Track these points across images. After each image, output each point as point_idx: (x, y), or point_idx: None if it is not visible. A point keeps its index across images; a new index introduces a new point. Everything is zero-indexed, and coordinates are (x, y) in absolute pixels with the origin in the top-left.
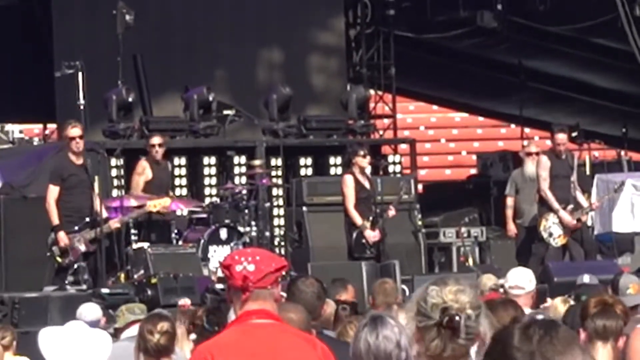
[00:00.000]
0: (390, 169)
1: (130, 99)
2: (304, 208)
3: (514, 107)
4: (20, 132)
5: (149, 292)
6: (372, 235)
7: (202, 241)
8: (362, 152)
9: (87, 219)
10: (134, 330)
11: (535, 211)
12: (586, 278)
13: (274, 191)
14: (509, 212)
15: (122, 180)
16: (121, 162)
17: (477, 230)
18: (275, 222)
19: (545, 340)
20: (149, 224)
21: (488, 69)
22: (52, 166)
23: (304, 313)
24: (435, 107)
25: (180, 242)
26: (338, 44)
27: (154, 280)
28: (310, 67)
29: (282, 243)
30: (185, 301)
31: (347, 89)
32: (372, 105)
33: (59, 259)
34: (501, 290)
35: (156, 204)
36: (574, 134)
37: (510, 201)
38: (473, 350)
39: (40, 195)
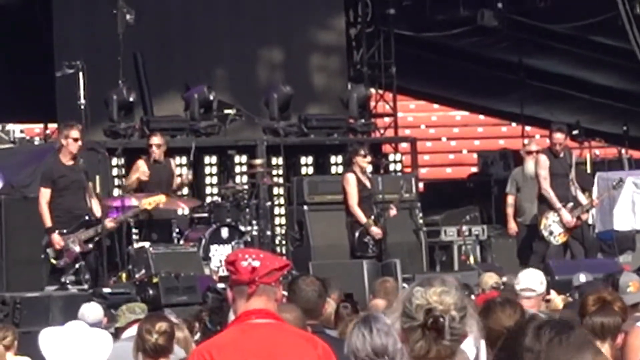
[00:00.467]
0: (391, 167)
1: (131, 99)
2: (305, 207)
3: (515, 105)
4: (21, 131)
5: (151, 292)
6: (377, 232)
7: (204, 240)
8: (362, 152)
9: (82, 219)
10: (134, 329)
11: (536, 209)
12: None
13: (275, 190)
14: (510, 211)
15: (123, 180)
16: (122, 161)
17: (478, 229)
18: (277, 221)
19: (554, 341)
20: (150, 224)
21: (488, 68)
22: (42, 169)
23: (299, 312)
24: (436, 105)
25: (181, 242)
26: (338, 43)
27: (155, 280)
28: (311, 66)
29: (284, 242)
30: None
31: (348, 88)
32: (372, 104)
33: (53, 261)
34: (502, 287)
35: (151, 202)
36: (574, 132)
37: (510, 199)
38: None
39: None
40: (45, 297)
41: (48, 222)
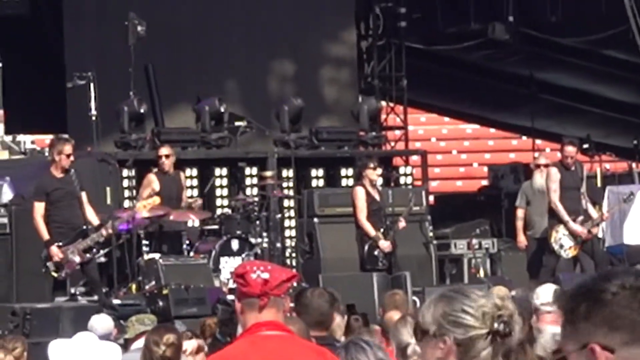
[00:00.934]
0: (402, 180)
1: (142, 110)
2: (315, 219)
3: (526, 119)
4: (32, 142)
5: (161, 303)
6: (386, 245)
7: (214, 252)
8: (371, 165)
9: (79, 229)
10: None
11: (546, 223)
12: None
13: (285, 202)
14: (520, 224)
15: (134, 191)
16: (133, 173)
17: (488, 242)
18: (287, 233)
19: None
20: (160, 235)
21: (499, 81)
22: (34, 184)
23: (302, 324)
24: (446, 118)
25: (191, 253)
26: (350, 56)
27: (165, 291)
28: (322, 79)
29: (294, 254)
30: None
31: (359, 101)
32: (383, 116)
33: (54, 274)
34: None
35: (145, 205)
36: (585, 146)
37: (520, 213)
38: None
39: None
40: (55, 308)
41: (45, 236)
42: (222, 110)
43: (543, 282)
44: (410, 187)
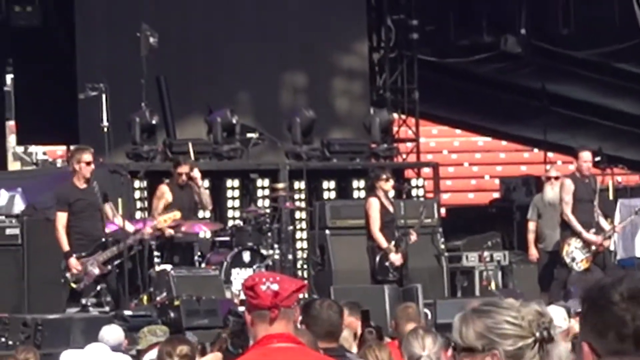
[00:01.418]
0: (414, 192)
1: (153, 121)
2: (327, 231)
3: (537, 131)
4: (44, 153)
5: (172, 315)
6: (396, 258)
7: (225, 264)
8: (384, 176)
9: (99, 241)
10: (156, 352)
11: (558, 236)
12: None
13: (297, 214)
14: (531, 237)
15: (145, 203)
16: (144, 184)
17: (500, 255)
18: (298, 245)
19: None
20: (172, 246)
21: (511, 94)
22: (57, 194)
23: (310, 336)
24: (458, 131)
25: (203, 265)
26: (361, 68)
27: (176, 303)
28: (334, 91)
29: (305, 266)
30: None
31: (371, 113)
32: (395, 128)
33: (73, 285)
34: None
35: (166, 219)
36: (597, 159)
37: (532, 225)
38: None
39: None
40: (67, 319)
41: (65, 247)
42: (234, 121)
43: (554, 295)
44: (421, 199)
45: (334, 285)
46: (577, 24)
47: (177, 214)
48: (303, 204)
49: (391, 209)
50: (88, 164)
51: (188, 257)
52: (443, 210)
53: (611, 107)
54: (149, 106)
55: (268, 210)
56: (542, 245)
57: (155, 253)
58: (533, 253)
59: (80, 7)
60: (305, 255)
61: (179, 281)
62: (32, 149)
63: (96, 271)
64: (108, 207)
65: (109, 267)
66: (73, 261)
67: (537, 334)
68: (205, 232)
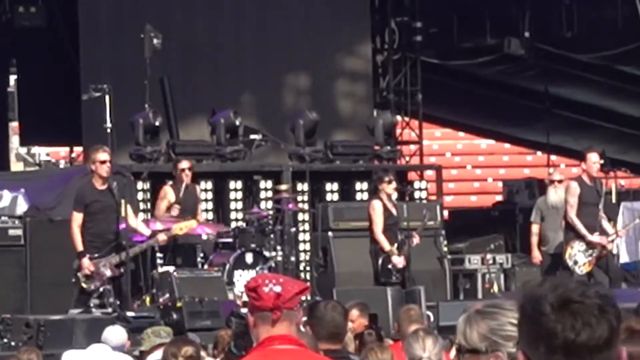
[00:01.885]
0: (417, 195)
1: (157, 123)
2: (330, 233)
3: (540, 134)
4: (47, 154)
5: (174, 316)
6: (399, 261)
7: (228, 265)
8: (387, 179)
9: (113, 243)
10: (159, 353)
11: (561, 238)
12: None
13: (300, 216)
14: (534, 240)
15: (149, 204)
16: (148, 185)
17: (503, 257)
18: (301, 247)
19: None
20: (174, 248)
21: (514, 96)
22: (75, 193)
23: (311, 338)
24: (461, 133)
25: (205, 266)
26: (365, 70)
27: (179, 304)
28: (337, 92)
29: (308, 268)
30: None
31: (374, 115)
32: (398, 131)
33: (84, 285)
34: None
35: (182, 227)
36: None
37: (535, 228)
38: None
39: (66, 218)
40: (69, 320)
41: (79, 247)
42: (237, 123)
43: None
44: (424, 201)
45: (336, 287)
46: (580, 26)
47: (193, 223)
48: (306, 206)
49: (394, 211)
50: (103, 162)
51: (191, 259)
52: (446, 213)
53: (614, 110)
54: (152, 107)
55: (271, 212)
56: (545, 247)
57: (158, 254)
58: (536, 256)
59: (84, 8)
60: (307, 257)
61: (182, 282)
62: (35, 150)
63: (108, 273)
64: (129, 208)
65: (122, 269)
66: (86, 261)
67: None
68: (208, 234)
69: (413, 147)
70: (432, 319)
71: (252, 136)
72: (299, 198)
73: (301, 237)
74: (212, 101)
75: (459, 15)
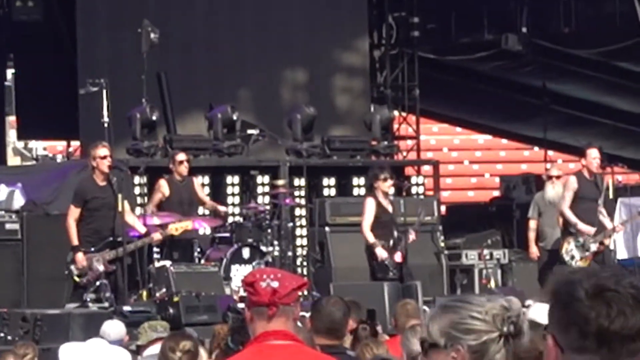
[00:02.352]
0: (414, 190)
1: (154, 117)
2: (327, 228)
3: (538, 129)
4: (44, 149)
5: (171, 311)
6: (382, 253)
7: (225, 260)
8: (382, 176)
9: (108, 240)
10: (156, 348)
11: (558, 234)
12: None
13: (297, 211)
14: (532, 235)
15: (146, 199)
16: (144, 180)
17: (500, 253)
18: (298, 242)
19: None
20: (171, 243)
21: (512, 92)
22: (75, 187)
23: (307, 334)
24: (458, 129)
25: (202, 261)
26: (362, 65)
27: (176, 299)
28: (335, 88)
29: (305, 263)
30: None
31: (371, 110)
32: (395, 126)
33: (76, 279)
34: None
35: (178, 228)
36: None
37: (532, 224)
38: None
39: (63, 213)
40: (66, 315)
41: (74, 241)
42: (235, 118)
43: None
44: (421, 197)
45: (333, 282)
46: (578, 22)
47: (189, 224)
48: (303, 201)
49: (390, 208)
50: (103, 158)
51: (187, 253)
52: (443, 208)
53: (612, 106)
54: (149, 102)
55: (268, 207)
56: (543, 243)
57: (155, 249)
58: (534, 251)
59: (81, 2)
60: (304, 252)
61: (179, 277)
62: (32, 144)
63: (101, 268)
64: (126, 204)
65: (114, 266)
66: (80, 256)
67: (504, 329)
68: (204, 229)
69: (410, 142)
70: None
71: (250, 131)
72: (296, 193)
73: (298, 232)
74: (210, 96)
75: (456, 11)
